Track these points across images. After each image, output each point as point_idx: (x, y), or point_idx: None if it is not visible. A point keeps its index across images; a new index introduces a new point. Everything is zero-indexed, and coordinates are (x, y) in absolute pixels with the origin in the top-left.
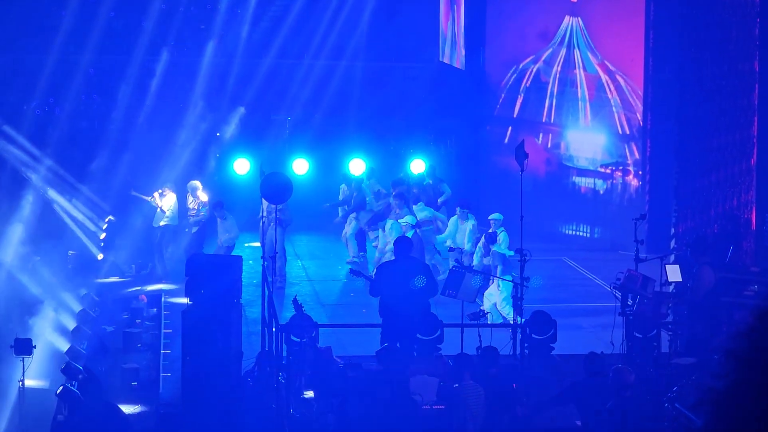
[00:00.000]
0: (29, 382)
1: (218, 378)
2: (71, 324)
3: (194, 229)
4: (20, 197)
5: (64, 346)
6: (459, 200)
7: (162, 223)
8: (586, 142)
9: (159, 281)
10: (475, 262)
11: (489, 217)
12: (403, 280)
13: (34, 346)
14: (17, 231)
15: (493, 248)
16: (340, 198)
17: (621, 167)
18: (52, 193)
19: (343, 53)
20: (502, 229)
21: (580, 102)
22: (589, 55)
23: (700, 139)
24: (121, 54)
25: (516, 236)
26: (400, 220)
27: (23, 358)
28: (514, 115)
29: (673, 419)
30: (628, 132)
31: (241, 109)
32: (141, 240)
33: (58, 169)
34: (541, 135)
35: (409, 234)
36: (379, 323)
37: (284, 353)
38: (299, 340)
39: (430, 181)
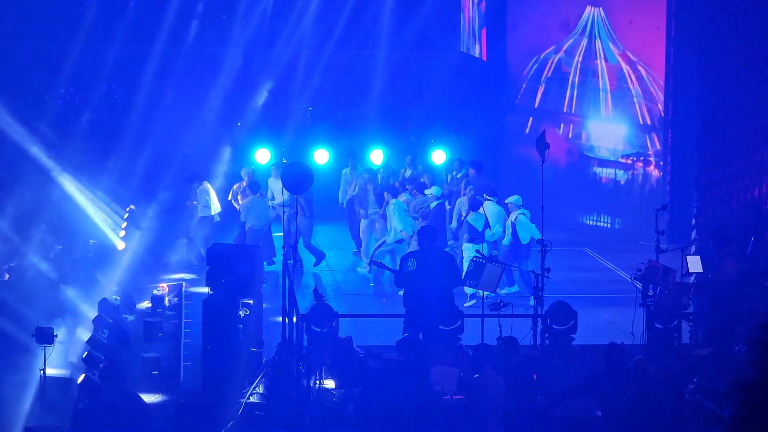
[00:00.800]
0: (50, 371)
1: (238, 367)
2: (92, 313)
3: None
4: (42, 187)
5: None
6: (486, 189)
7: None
8: (607, 132)
9: (196, 271)
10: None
11: (506, 201)
12: (426, 270)
13: (56, 335)
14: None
15: (469, 219)
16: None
17: (642, 158)
18: (74, 183)
19: (364, 43)
20: (520, 211)
21: (601, 92)
22: (611, 45)
23: (721, 129)
24: (143, 43)
25: (537, 226)
26: (426, 191)
27: (44, 347)
28: (535, 106)
29: (693, 410)
30: (649, 122)
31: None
32: (162, 229)
33: (79, 159)
34: (562, 125)
35: (433, 204)
36: (399, 313)
37: (305, 343)
38: (320, 329)
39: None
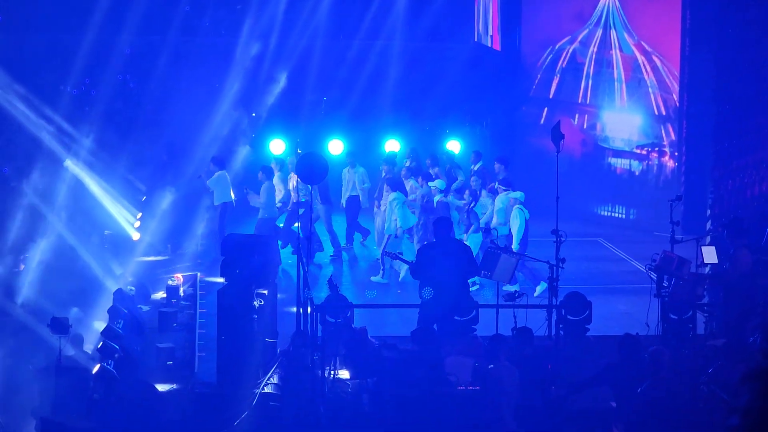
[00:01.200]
0: (66, 361)
1: (253, 358)
2: (107, 303)
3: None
4: (56, 177)
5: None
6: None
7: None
8: (622, 122)
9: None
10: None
11: (509, 195)
12: (444, 261)
13: (71, 325)
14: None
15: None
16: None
17: (657, 148)
18: (88, 173)
19: (379, 33)
20: (519, 206)
21: (616, 83)
22: (626, 35)
23: (736, 120)
24: (157, 34)
25: (551, 217)
26: (430, 183)
27: (60, 337)
28: (550, 96)
29: (708, 400)
30: (664, 113)
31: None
32: (177, 220)
33: (94, 149)
34: (576, 116)
35: (437, 198)
36: (413, 303)
37: (319, 333)
38: (334, 320)
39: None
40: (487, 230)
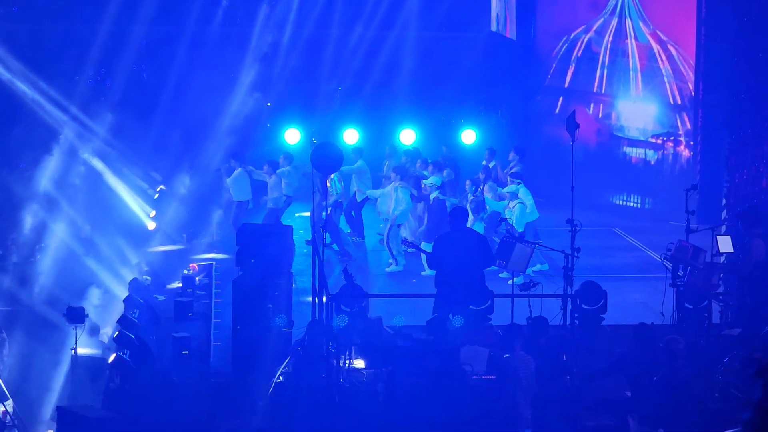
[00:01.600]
0: (82, 351)
1: (268, 347)
2: (123, 293)
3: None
4: (72, 167)
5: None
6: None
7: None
8: (637, 112)
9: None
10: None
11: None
12: (459, 251)
13: (87, 315)
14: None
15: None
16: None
17: (672, 137)
18: (104, 163)
19: (394, 23)
20: (519, 200)
21: (631, 72)
22: (641, 24)
23: (752, 108)
24: (172, 24)
25: (567, 206)
26: (424, 181)
27: (75, 327)
28: (565, 85)
29: (723, 390)
30: (679, 102)
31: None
32: (192, 209)
33: (109, 139)
34: (592, 105)
35: (433, 195)
36: (428, 293)
37: (334, 323)
38: (349, 309)
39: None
40: (501, 219)
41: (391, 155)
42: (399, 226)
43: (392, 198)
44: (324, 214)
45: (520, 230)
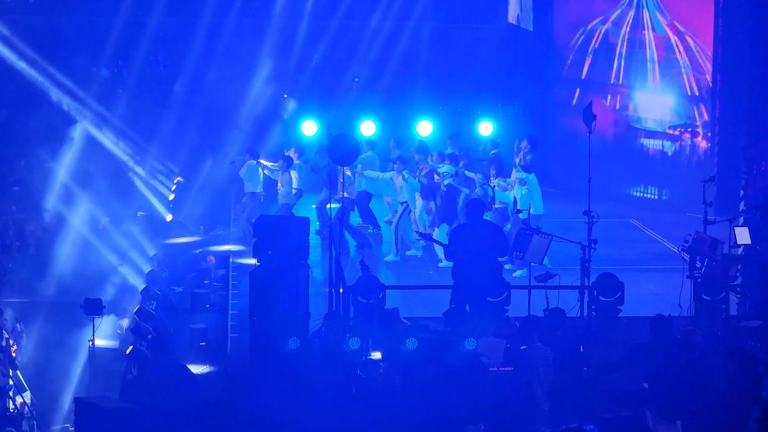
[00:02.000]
0: (99, 342)
1: (285, 338)
2: (140, 284)
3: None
4: (90, 158)
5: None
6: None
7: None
8: (655, 103)
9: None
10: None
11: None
12: (476, 242)
13: (104, 307)
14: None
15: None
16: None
17: (690, 129)
18: (121, 155)
19: (411, 14)
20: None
21: (648, 63)
22: (658, 15)
23: None
24: (188, 16)
25: (584, 198)
26: (439, 169)
27: (93, 318)
28: (582, 77)
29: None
30: (697, 93)
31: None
32: (209, 201)
33: (126, 131)
34: (609, 96)
35: (446, 182)
36: (445, 285)
37: (351, 314)
38: (366, 301)
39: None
40: (518, 210)
41: (397, 146)
42: (410, 213)
43: (399, 186)
44: (329, 206)
45: (523, 218)
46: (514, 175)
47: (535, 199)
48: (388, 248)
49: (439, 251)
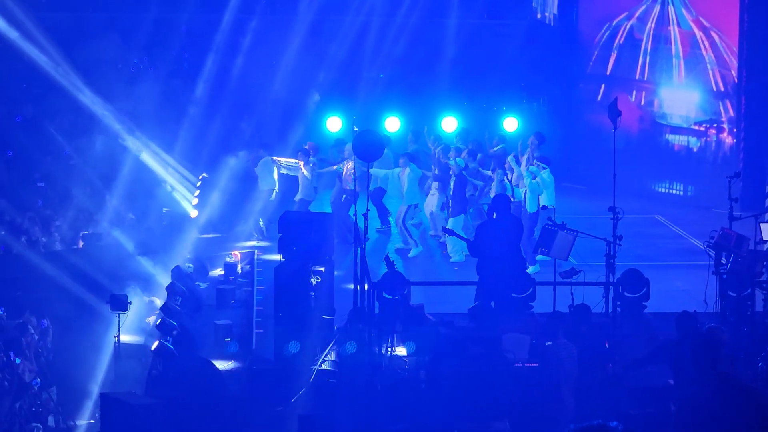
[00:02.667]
0: (125, 338)
1: (310, 334)
2: (165, 280)
3: None
4: (116, 155)
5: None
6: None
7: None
8: (680, 99)
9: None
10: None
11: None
12: (501, 238)
13: (130, 302)
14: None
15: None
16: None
17: (715, 125)
18: (147, 151)
19: (436, 10)
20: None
21: (673, 59)
22: (684, 11)
23: None
24: (214, 13)
25: (609, 194)
26: (450, 162)
27: (119, 314)
28: (607, 73)
29: (766, 378)
30: (722, 89)
31: None
32: (234, 197)
33: (152, 127)
34: (634, 92)
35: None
36: (470, 281)
37: (376, 310)
38: (391, 297)
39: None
40: (543, 207)
41: (414, 140)
42: (414, 207)
43: (404, 181)
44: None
45: (531, 211)
46: (523, 170)
47: (548, 192)
48: (396, 243)
49: (456, 246)
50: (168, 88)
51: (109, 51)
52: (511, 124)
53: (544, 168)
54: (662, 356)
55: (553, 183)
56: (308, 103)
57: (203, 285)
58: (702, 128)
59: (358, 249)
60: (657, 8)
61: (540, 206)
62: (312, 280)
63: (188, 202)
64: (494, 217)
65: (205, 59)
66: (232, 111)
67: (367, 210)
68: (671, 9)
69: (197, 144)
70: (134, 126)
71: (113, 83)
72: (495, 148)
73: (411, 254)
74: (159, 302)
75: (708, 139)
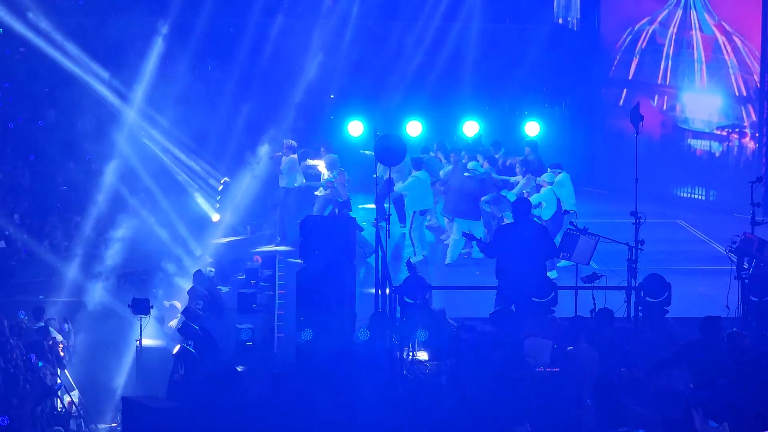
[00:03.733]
0: (146, 342)
1: (332, 339)
2: (187, 284)
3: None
4: (136, 159)
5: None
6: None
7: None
8: (702, 104)
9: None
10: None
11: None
12: (522, 242)
13: (152, 306)
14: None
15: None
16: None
17: (737, 129)
18: (169, 155)
19: (458, 14)
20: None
21: (696, 63)
22: (706, 15)
23: None
24: (236, 17)
25: (630, 198)
26: (469, 164)
27: (140, 318)
28: (629, 77)
29: None
30: (745, 93)
31: None
32: (256, 201)
33: (174, 132)
34: (656, 97)
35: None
36: (492, 285)
37: (397, 315)
38: (413, 301)
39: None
40: (565, 212)
41: (439, 149)
42: (422, 214)
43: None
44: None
45: (546, 218)
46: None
47: (567, 195)
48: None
49: (455, 247)
50: (191, 92)
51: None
52: (532, 128)
53: (559, 172)
54: (684, 360)
55: (572, 186)
56: (327, 105)
57: (225, 289)
58: (724, 133)
59: (380, 252)
60: (679, 13)
61: (562, 211)
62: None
63: (210, 206)
64: (514, 221)
65: (228, 63)
66: (254, 115)
67: (389, 215)
68: (693, 13)
69: (221, 148)
70: (158, 130)
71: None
72: (496, 154)
73: (413, 260)
74: (181, 306)
75: (730, 143)
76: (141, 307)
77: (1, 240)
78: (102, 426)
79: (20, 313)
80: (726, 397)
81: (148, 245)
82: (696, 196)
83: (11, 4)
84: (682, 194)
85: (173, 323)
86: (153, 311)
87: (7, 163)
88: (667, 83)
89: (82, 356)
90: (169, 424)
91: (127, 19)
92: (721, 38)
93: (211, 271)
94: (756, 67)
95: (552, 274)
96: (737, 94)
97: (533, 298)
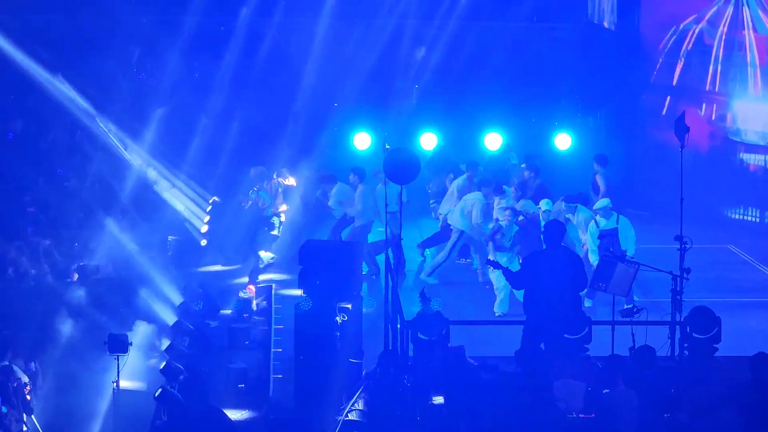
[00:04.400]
0: (124, 383)
1: (335, 380)
2: (171, 318)
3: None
4: (117, 177)
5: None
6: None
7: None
8: (756, 113)
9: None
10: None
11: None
12: (552, 271)
13: (130, 344)
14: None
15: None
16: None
17: None
18: (152, 172)
19: (478, 13)
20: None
21: (749, 67)
22: (761, 13)
23: None
24: (227, 15)
25: (675, 221)
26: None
27: (118, 357)
28: (674, 83)
29: None
30: None
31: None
32: (248, 224)
33: (157, 144)
34: (704, 105)
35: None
36: (516, 320)
37: (410, 353)
38: (427, 338)
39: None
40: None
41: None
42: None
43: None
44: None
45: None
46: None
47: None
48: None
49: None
50: (175, 100)
51: (110, 58)
52: (563, 141)
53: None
54: (734, 401)
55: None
56: (330, 115)
57: (214, 323)
58: None
59: (390, 282)
60: (730, 10)
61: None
62: (337, 318)
63: (197, 229)
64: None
65: (217, 67)
66: (247, 126)
67: (400, 238)
68: (746, 11)
69: (208, 163)
70: (138, 143)
71: (114, 95)
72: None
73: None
74: (164, 343)
75: None
76: (118, 345)
77: None
78: None
79: None
80: None
81: (127, 272)
82: (749, 218)
83: None
84: (733, 215)
85: (154, 362)
86: (131, 349)
87: None
88: (717, 90)
89: (52, 399)
90: None
91: (105, 20)
92: None
93: (198, 304)
94: None
95: (586, 303)
96: None
97: (565, 335)
